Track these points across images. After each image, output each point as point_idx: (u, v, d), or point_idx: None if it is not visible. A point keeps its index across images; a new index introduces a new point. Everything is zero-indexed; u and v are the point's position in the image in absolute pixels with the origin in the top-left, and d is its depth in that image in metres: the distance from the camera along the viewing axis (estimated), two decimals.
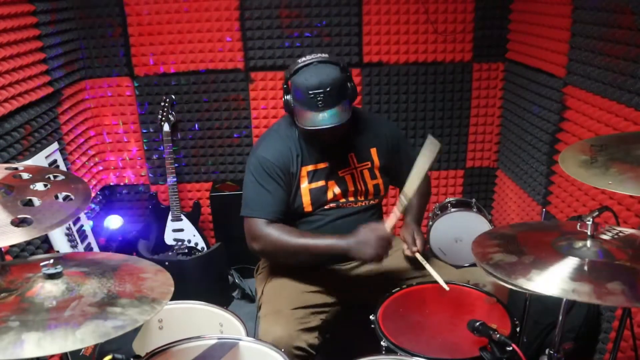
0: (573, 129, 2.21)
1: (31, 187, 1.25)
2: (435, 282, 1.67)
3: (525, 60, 2.65)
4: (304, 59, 1.68)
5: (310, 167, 1.78)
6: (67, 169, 2.50)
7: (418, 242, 1.76)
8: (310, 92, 1.60)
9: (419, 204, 1.93)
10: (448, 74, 2.89)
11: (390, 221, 1.65)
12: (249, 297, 2.79)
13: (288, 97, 1.71)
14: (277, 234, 1.69)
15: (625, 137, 1.56)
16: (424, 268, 1.73)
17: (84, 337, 0.92)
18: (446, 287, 1.63)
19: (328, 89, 1.60)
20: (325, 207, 1.80)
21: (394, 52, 2.83)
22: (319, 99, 1.60)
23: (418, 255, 1.72)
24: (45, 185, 1.27)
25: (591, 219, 1.19)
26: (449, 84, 2.92)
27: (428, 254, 1.82)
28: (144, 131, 2.96)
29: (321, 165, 1.79)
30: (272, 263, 1.92)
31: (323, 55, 1.69)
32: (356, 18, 2.77)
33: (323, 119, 1.61)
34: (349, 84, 1.69)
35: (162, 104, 2.79)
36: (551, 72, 2.36)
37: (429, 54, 2.84)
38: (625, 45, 1.82)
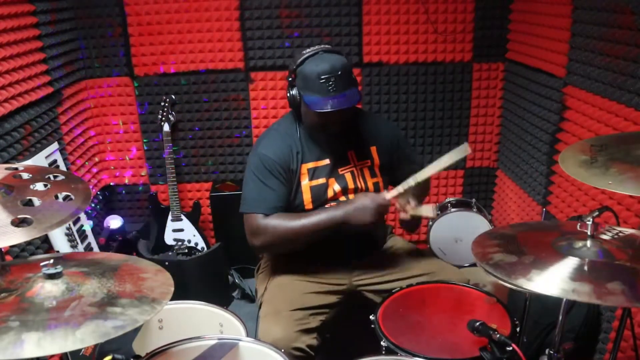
0: (573, 129, 2.21)
1: (31, 187, 1.25)
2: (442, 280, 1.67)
3: (525, 60, 2.65)
4: (308, 50, 1.71)
5: (310, 165, 1.79)
6: (67, 169, 2.50)
7: (412, 202, 1.69)
8: (322, 77, 1.62)
9: (417, 193, 1.89)
10: (448, 74, 2.89)
11: (390, 193, 1.67)
12: (249, 297, 2.79)
13: (294, 91, 1.73)
14: (276, 222, 1.70)
15: (625, 137, 1.56)
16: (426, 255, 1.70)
17: (84, 337, 0.92)
18: (432, 214, 1.63)
19: (339, 73, 1.63)
20: (326, 205, 1.80)
21: (394, 52, 2.83)
22: (330, 82, 1.62)
23: (410, 211, 1.66)
24: (45, 185, 1.27)
25: (591, 219, 1.19)
26: (449, 84, 2.92)
27: (427, 252, 1.81)
28: (144, 131, 2.96)
29: (321, 163, 1.80)
30: (274, 261, 1.92)
31: (325, 45, 1.73)
32: (356, 18, 2.77)
33: (334, 103, 1.62)
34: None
35: (162, 104, 2.79)
36: (551, 72, 2.36)
37: (429, 54, 2.84)
38: (625, 45, 1.82)
